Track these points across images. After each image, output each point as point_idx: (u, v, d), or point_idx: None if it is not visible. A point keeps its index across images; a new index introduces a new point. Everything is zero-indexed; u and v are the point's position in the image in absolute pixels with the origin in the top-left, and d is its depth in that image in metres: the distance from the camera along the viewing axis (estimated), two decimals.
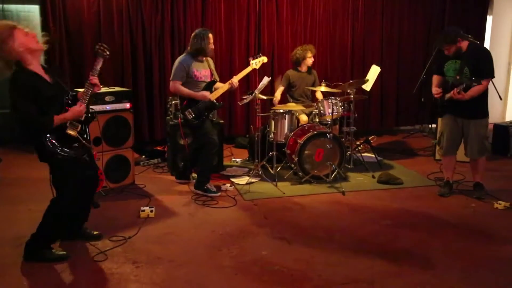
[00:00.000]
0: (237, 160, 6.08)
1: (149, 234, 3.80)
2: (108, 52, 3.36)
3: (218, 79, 4.88)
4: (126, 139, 4.89)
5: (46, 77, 3.21)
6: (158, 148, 6.27)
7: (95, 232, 3.70)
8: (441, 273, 3.22)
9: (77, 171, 3.26)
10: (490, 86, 4.52)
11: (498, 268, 3.31)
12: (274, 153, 5.25)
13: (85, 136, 3.34)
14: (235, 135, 7.08)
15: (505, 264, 3.38)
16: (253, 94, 5.06)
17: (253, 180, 5.13)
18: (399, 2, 7.65)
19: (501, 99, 4.72)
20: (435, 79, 4.74)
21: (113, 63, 6.33)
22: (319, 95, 6.12)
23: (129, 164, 4.96)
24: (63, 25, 6.15)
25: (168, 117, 5.68)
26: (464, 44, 4.44)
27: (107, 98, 4.68)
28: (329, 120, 5.30)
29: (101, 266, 3.27)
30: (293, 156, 5.07)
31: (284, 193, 4.81)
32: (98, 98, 4.60)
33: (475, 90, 4.36)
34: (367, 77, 5.99)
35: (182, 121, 4.80)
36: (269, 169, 5.38)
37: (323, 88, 5.58)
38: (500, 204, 4.46)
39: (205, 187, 4.74)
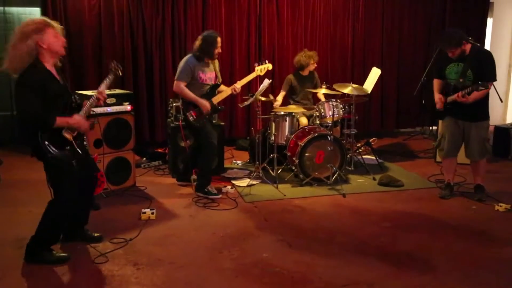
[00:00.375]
0: (238, 162, 6.09)
1: (150, 236, 3.81)
2: (121, 73, 3.54)
3: (221, 81, 4.88)
4: (127, 141, 4.90)
5: (57, 76, 3.26)
6: (159, 150, 6.27)
7: (96, 234, 3.70)
8: (441, 275, 3.22)
9: (70, 171, 3.25)
10: (491, 88, 4.52)
11: (498, 270, 3.30)
12: (275, 155, 5.25)
13: (80, 142, 3.35)
14: (236, 137, 7.08)
15: (505, 266, 3.38)
16: (253, 97, 5.06)
17: (254, 182, 5.13)
18: (400, 3, 7.67)
19: (501, 101, 4.72)
20: (436, 83, 4.73)
21: None
22: (320, 97, 6.12)
23: (130, 166, 4.96)
24: (64, 27, 6.12)
25: (169, 119, 5.69)
26: (468, 47, 4.44)
27: (108, 100, 4.67)
28: (330, 122, 5.31)
29: (101, 268, 3.27)
30: (294, 158, 5.07)
31: (284, 195, 4.81)
32: None
33: (478, 94, 4.35)
34: (366, 82, 5.99)
35: (183, 122, 4.81)
36: (270, 171, 5.39)
37: (324, 90, 5.58)
38: (501, 206, 4.46)
39: (206, 190, 4.74)
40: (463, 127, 4.59)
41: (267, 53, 6.97)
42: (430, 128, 7.90)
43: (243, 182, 5.16)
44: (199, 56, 4.61)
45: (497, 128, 6.49)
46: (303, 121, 5.79)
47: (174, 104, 5.49)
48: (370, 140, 6.50)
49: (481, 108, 4.50)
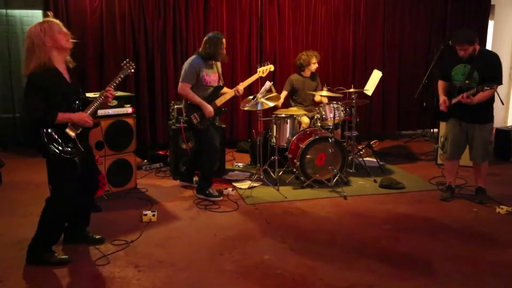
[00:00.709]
0: (239, 164, 6.09)
1: (151, 238, 3.81)
2: (133, 70, 3.64)
3: (223, 83, 4.89)
4: (129, 143, 4.90)
5: (67, 75, 3.29)
6: (160, 152, 6.28)
7: (97, 236, 3.70)
8: (442, 278, 3.22)
9: (71, 169, 3.26)
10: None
11: (499, 273, 3.30)
12: (276, 158, 5.26)
13: (84, 142, 3.37)
14: (237, 139, 7.09)
15: (506, 268, 3.38)
16: (255, 99, 5.07)
17: (255, 184, 5.14)
18: (401, 6, 7.68)
19: (502, 104, 4.71)
20: (441, 84, 4.72)
21: (115, 67, 6.36)
22: (320, 99, 6.12)
23: (131, 168, 4.97)
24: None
25: (170, 122, 5.70)
26: (477, 48, 4.44)
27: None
28: (331, 125, 5.31)
29: (103, 270, 3.28)
30: (295, 160, 5.08)
31: (286, 197, 4.82)
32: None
33: (483, 95, 4.34)
34: (367, 84, 6.00)
35: (185, 124, 4.81)
36: (271, 173, 5.39)
37: (325, 92, 5.59)
38: (502, 208, 4.46)
39: (207, 192, 4.74)
40: (467, 129, 4.59)
41: (268, 56, 6.98)
42: (431, 130, 7.90)
43: (244, 184, 5.16)
44: (204, 57, 4.60)
45: (498, 131, 6.48)
46: (305, 120, 5.79)
47: (175, 106, 5.50)
48: (371, 142, 6.50)
49: (485, 110, 4.49)
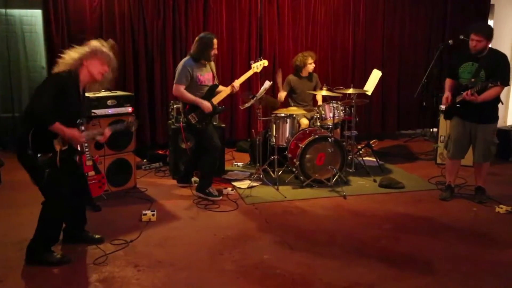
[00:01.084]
0: (239, 164, 6.09)
1: (150, 237, 3.81)
2: (134, 129, 3.87)
3: (219, 82, 4.89)
4: (128, 143, 4.90)
5: (81, 96, 3.40)
6: (160, 152, 6.28)
7: (97, 236, 3.70)
8: (442, 277, 3.23)
9: (38, 176, 3.24)
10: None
11: (499, 272, 3.30)
12: (276, 157, 5.25)
13: (66, 157, 3.33)
14: (236, 139, 7.09)
15: (506, 268, 3.38)
16: (254, 99, 5.07)
17: (255, 184, 5.14)
18: (401, 5, 7.67)
19: (502, 103, 4.71)
20: (448, 82, 4.72)
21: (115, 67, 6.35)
22: (320, 99, 6.13)
23: (130, 168, 4.97)
24: (66, 30, 6.16)
25: (169, 121, 5.70)
26: (488, 47, 4.41)
27: (109, 102, 4.69)
28: (331, 124, 5.31)
29: (102, 269, 3.28)
30: (295, 160, 5.08)
31: (285, 197, 4.82)
32: (101, 102, 4.62)
33: (488, 94, 4.33)
34: (367, 84, 6.00)
35: (185, 125, 4.81)
36: (271, 173, 5.39)
37: (324, 92, 5.59)
38: (501, 208, 4.46)
39: (207, 191, 4.75)
40: (470, 128, 4.57)
41: (267, 56, 6.95)
42: (431, 130, 7.90)
43: (244, 184, 5.16)
44: (195, 57, 4.61)
45: (498, 130, 6.45)
46: (304, 121, 5.80)
47: (175, 106, 5.50)
48: (371, 142, 6.50)
49: (489, 110, 4.47)
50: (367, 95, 6.04)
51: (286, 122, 5.32)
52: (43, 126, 3.14)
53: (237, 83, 4.86)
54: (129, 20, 6.38)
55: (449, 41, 6.74)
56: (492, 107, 4.48)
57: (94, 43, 3.41)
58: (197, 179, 4.96)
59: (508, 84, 4.44)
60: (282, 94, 6.01)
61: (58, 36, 6.10)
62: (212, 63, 4.80)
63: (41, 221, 3.33)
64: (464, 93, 4.39)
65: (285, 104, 6.13)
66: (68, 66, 3.25)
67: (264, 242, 3.77)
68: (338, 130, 5.89)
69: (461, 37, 5.71)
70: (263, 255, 3.51)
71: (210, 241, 3.77)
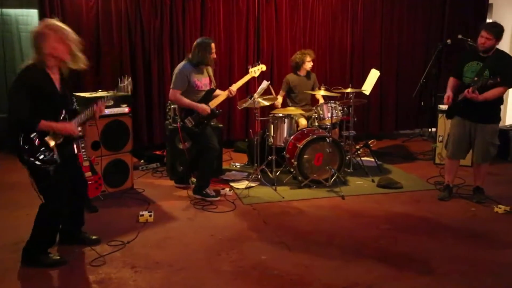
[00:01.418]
0: (236, 164, 6.07)
1: (148, 238, 3.79)
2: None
3: (215, 86, 4.87)
4: (125, 143, 4.88)
5: (58, 83, 3.22)
6: (157, 152, 6.26)
7: (94, 237, 3.68)
8: (440, 277, 3.22)
9: (43, 177, 3.18)
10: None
11: (498, 272, 3.30)
12: (273, 158, 5.24)
13: (65, 150, 3.27)
14: (234, 140, 7.07)
15: (505, 268, 3.37)
16: (252, 98, 5.06)
17: (252, 184, 5.12)
18: (399, 6, 7.67)
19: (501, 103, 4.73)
20: (451, 81, 4.70)
21: (112, 67, 6.33)
22: (321, 98, 6.11)
23: (128, 168, 4.95)
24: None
25: (167, 122, 5.68)
26: (495, 47, 4.40)
27: (106, 103, 4.66)
28: (329, 124, 5.30)
29: (99, 271, 3.26)
30: (293, 160, 5.06)
31: (283, 197, 4.80)
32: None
33: (491, 94, 4.31)
34: (365, 84, 5.99)
35: (182, 124, 4.79)
36: (269, 173, 5.37)
37: (322, 92, 5.58)
38: (500, 208, 4.45)
39: (204, 192, 4.73)
40: (470, 128, 4.56)
41: (265, 56, 6.96)
42: (429, 129, 7.89)
43: (242, 184, 5.14)
44: (193, 63, 4.60)
45: None
46: (302, 122, 5.78)
47: (172, 106, 5.47)
48: (369, 142, 6.49)
49: (489, 110, 4.44)
50: (365, 95, 6.04)
51: (284, 122, 5.30)
52: (30, 130, 3.08)
53: (234, 87, 4.85)
54: (126, 20, 6.36)
55: (448, 41, 6.74)
56: (492, 107, 4.46)
57: (39, 26, 3.18)
58: (195, 180, 4.94)
59: (511, 86, 4.43)
60: (280, 99, 5.99)
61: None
62: (209, 68, 4.79)
63: (37, 223, 3.30)
64: (466, 91, 4.38)
65: (284, 104, 6.12)
66: (33, 59, 3.12)
67: (262, 243, 3.75)
68: (337, 130, 5.89)
69: (460, 36, 5.71)
70: (261, 256, 3.50)
71: (207, 242, 3.75)
